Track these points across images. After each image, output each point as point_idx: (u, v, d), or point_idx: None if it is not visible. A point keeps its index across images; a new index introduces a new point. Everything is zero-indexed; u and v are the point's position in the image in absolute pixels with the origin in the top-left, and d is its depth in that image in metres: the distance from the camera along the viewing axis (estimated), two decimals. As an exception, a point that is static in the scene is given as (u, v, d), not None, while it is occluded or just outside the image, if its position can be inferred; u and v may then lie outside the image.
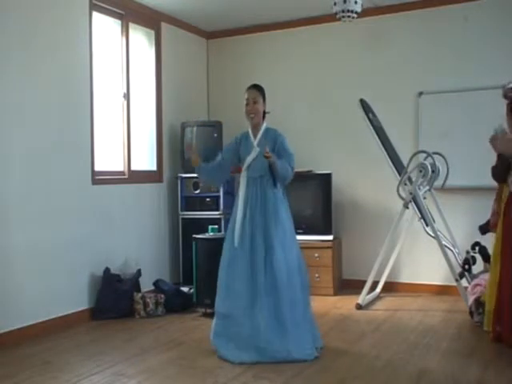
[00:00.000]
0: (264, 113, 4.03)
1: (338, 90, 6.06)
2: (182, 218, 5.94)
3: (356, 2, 4.54)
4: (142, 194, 5.64)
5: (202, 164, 4.07)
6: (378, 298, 5.50)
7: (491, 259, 4.21)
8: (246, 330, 3.73)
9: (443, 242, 4.99)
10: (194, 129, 5.93)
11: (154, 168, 5.91)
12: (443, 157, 5.11)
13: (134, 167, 5.57)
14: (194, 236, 5.12)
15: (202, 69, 6.72)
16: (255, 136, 3.99)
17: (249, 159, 3.95)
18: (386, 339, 4.18)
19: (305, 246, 5.58)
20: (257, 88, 4.02)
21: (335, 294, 5.68)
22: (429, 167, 4.93)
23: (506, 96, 4.00)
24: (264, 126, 4.02)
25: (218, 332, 3.88)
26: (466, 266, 4.95)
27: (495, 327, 4.00)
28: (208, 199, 5.87)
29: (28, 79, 4.41)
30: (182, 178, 5.94)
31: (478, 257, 4.95)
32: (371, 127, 5.18)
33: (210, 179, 4.33)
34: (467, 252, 5.02)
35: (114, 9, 5.34)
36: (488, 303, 4.12)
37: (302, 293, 3.86)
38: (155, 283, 5.31)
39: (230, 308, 3.82)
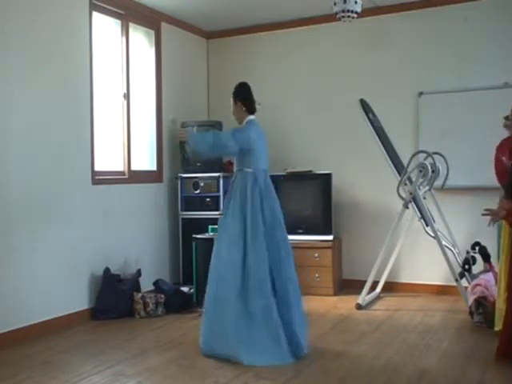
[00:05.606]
0: (249, 106, 4.08)
1: (338, 89, 6.05)
2: (182, 218, 5.94)
3: (356, 2, 4.55)
4: (142, 193, 5.64)
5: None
6: (378, 297, 5.50)
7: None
8: (230, 317, 3.70)
9: (443, 242, 4.99)
10: (194, 129, 5.92)
11: (154, 168, 5.91)
12: (443, 157, 5.11)
13: (134, 167, 5.57)
14: (194, 236, 5.13)
15: (202, 69, 6.72)
16: None
17: None
18: (386, 339, 4.18)
19: (305, 246, 5.62)
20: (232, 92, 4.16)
21: (335, 294, 5.68)
22: (429, 167, 4.93)
23: None
24: (246, 121, 4.07)
25: (204, 322, 3.89)
26: (466, 266, 4.96)
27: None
28: (208, 199, 5.87)
29: (28, 79, 4.40)
30: (182, 178, 5.95)
31: (478, 257, 4.96)
32: (371, 127, 5.18)
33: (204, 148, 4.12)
34: (467, 252, 5.03)
35: (114, 9, 5.34)
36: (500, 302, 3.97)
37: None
38: (155, 283, 5.31)
39: (220, 290, 3.79)
